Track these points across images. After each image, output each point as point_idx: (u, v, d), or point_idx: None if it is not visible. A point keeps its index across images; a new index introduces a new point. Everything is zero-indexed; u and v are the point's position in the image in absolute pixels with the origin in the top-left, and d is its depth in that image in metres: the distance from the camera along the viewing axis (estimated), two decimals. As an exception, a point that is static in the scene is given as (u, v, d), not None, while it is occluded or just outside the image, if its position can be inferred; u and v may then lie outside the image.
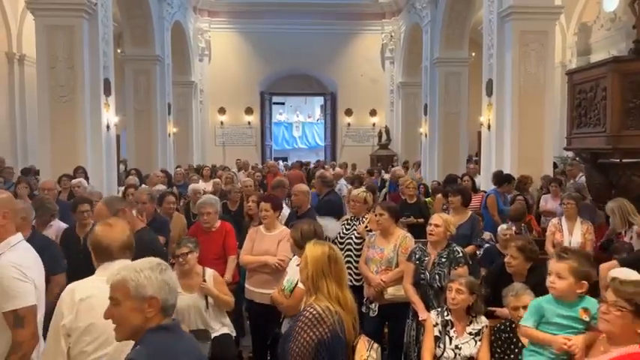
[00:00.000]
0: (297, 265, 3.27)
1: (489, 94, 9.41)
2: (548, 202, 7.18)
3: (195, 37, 16.91)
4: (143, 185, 6.06)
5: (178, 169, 10.85)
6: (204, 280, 3.61)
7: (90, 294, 2.14)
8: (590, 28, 13.50)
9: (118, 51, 12.88)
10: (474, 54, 13.51)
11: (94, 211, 3.31)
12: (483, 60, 9.66)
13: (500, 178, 6.80)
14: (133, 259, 2.67)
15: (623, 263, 3.12)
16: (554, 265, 2.43)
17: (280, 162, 18.96)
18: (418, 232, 6.23)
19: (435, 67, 13.11)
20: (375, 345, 2.41)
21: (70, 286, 2.25)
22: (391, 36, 17.79)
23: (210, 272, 3.70)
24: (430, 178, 12.63)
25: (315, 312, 2.17)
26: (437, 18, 13.00)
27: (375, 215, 4.02)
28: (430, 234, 3.53)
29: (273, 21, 17.27)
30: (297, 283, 3.14)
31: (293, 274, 3.26)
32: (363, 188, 4.99)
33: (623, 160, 4.91)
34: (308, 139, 24.13)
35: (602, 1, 12.87)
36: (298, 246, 3.27)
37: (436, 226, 3.51)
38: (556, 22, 9.13)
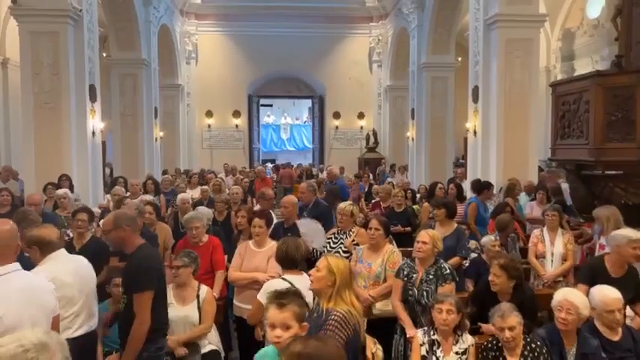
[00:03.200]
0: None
1: (475, 100, 9.51)
2: (534, 210, 7.26)
3: (182, 40, 16.83)
4: (129, 200, 5.98)
5: (165, 175, 10.77)
6: (198, 295, 3.65)
7: None
8: (573, 34, 13.72)
9: (104, 55, 12.76)
10: (460, 59, 13.63)
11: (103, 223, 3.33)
12: (470, 67, 9.75)
13: (479, 186, 6.88)
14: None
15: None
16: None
17: (269, 164, 18.96)
18: (405, 240, 6.33)
19: (422, 72, 13.22)
20: (377, 343, 2.83)
21: None
22: (379, 39, 17.87)
23: (204, 289, 3.74)
24: (417, 182, 12.73)
25: (341, 315, 2.45)
26: (424, 23, 13.09)
27: (370, 229, 4.02)
28: (418, 251, 3.55)
29: (260, 24, 17.25)
30: None
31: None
32: (349, 202, 4.99)
33: (606, 172, 4.99)
34: (296, 141, 24.12)
35: (586, 7, 13.07)
36: (282, 263, 3.28)
37: (424, 243, 3.53)
38: (540, 30, 9.26)
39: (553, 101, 5.67)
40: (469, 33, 9.86)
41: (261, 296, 3.13)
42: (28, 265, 2.89)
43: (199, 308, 3.61)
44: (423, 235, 3.59)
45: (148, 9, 12.68)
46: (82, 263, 3.21)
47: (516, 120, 8.71)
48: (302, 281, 3.08)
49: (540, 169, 10.36)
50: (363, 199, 9.53)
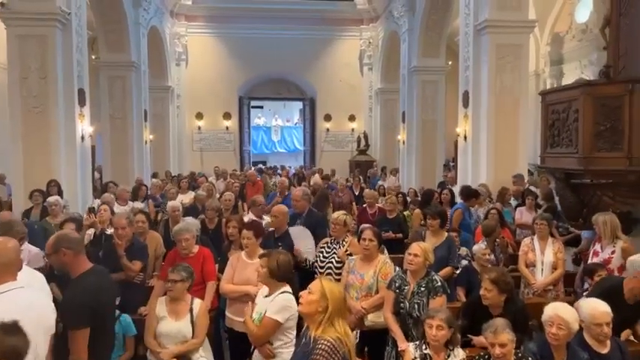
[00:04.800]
0: (266, 297, 3.30)
1: (465, 105, 9.57)
2: (523, 215, 7.31)
3: (172, 41, 16.72)
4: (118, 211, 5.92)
5: (155, 179, 10.70)
6: (192, 309, 3.59)
7: None
8: (562, 38, 13.86)
9: (93, 57, 12.63)
10: (450, 62, 13.69)
11: None
12: (460, 72, 9.81)
13: (469, 193, 6.93)
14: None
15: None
16: None
17: (260, 165, 18.88)
18: (396, 246, 6.34)
19: (413, 75, 13.26)
20: None
21: None
22: (369, 42, 17.91)
23: (198, 303, 3.68)
24: (408, 185, 12.77)
25: (329, 343, 2.34)
26: (414, 26, 13.14)
27: (364, 240, 4.00)
28: (409, 264, 3.56)
29: (251, 25, 17.20)
30: (264, 314, 3.16)
31: (261, 305, 3.29)
32: (342, 211, 4.98)
33: (594, 181, 5.04)
34: (287, 143, 24.07)
35: (575, 12, 13.20)
36: (274, 276, 3.25)
37: (415, 256, 3.54)
38: (530, 36, 9.34)
39: (542, 109, 5.72)
40: (459, 38, 9.92)
41: (277, 314, 3.10)
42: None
43: (193, 322, 3.56)
44: (415, 248, 3.59)
45: (138, 11, 12.58)
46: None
47: (506, 125, 8.78)
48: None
49: (530, 173, 10.46)
50: (354, 204, 9.53)
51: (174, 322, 3.55)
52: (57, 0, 7.98)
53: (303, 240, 4.87)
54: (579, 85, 5.21)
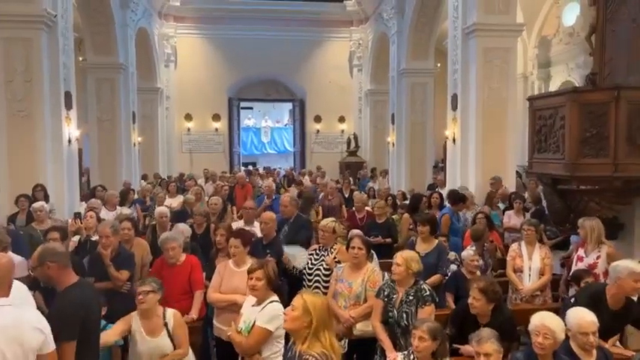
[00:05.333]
0: (253, 306, 3.28)
1: (454, 108, 9.61)
2: (511, 219, 7.36)
3: (161, 42, 16.60)
4: (106, 217, 5.86)
5: (144, 181, 10.61)
6: (166, 323, 3.47)
7: None
8: (550, 41, 13.97)
9: (80, 59, 12.51)
10: (439, 64, 13.75)
11: None
12: (448, 75, 9.86)
13: (456, 197, 6.97)
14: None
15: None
16: None
17: (250, 167, 18.83)
18: (385, 251, 6.35)
19: (402, 78, 13.29)
20: None
21: None
22: (359, 44, 17.92)
23: (170, 313, 3.53)
24: (397, 187, 12.81)
25: (315, 358, 2.33)
26: (403, 28, 13.18)
27: (353, 248, 3.99)
28: (393, 273, 3.58)
29: (240, 27, 17.15)
30: (254, 324, 3.14)
31: (248, 314, 3.27)
32: (332, 218, 4.96)
33: (581, 187, 5.08)
34: (277, 144, 24.02)
35: (562, 16, 13.32)
36: (271, 285, 3.24)
37: (397, 265, 3.55)
38: (518, 39, 9.40)
39: (530, 115, 5.75)
40: (448, 41, 9.96)
41: (268, 323, 3.07)
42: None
43: (171, 335, 3.45)
44: (397, 257, 3.62)
45: (125, 12, 12.47)
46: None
47: (494, 128, 8.84)
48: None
49: (518, 175, 10.54)
50: (344, 206, 9.52)
51: (151, 339, 3.42)
52: (43, 2, 7.87)
53: (297, 254, 4.84)
54: (566, 91, 5.24)
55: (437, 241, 4.87)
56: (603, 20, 5.36)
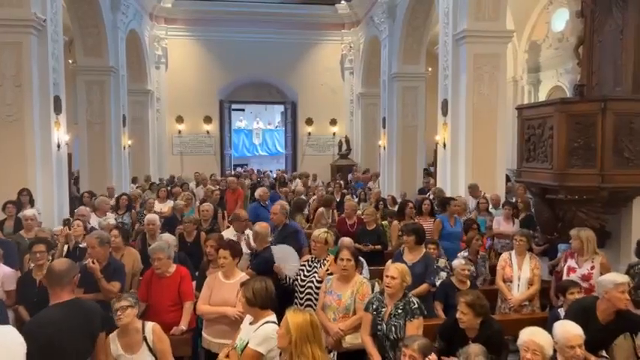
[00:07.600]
0: (250, 324, 3.27)
1: (445, 113, 9.67)
2: (501, 225, 7.40)
3: (152, 44, 16.52)
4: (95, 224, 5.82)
5: (133, 185, 10.55)
6: (145, 337, 3.37)
7: None
8: (539, 46, 14.09)
9: (70, 61, 12.41)
10: (430, 69, 13.81)
11: None
12: (439, 80, 9.91)
13: (442, 202, 7.03)
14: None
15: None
16: None
17: (239, 169, 18.78)
18: (375, 258, 6.37)
19: (393, 82, 13.34)
20: None
21: None
22: (350, 46, 17.96)
23: (150, 326, 3.42)
24: (388, 191, 12.86)
25: None
26: (394, 32, 13.22)
27: (342, 260, 3.96)
28: (387, 286, 3.57)
29: (232, 29, 17.11)
30: (247, 343, 3.13)
31: (245, 333, 3.23)
32: (324, 229, 4.94)
33: (568, 197, 5.13)
34: (268, 146, 24.00)
35: (551, 21, 13.44)
36: (251, 304, 3.20)
37: (392, 278, 3.55)
38: (508, 46, 9.48)
39: (519, 124, 5.81)
40: (438, 47, 10.02)
41: (259, 346, 3.02)
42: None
43: (152, 350, 3.37)
44: (392, 270, 3.60)
45: (116, 14, 12.39)
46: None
47: (484, 133, 8.90)
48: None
49: (508, 179, 10.62)
50: (335, 211, 9.51)
51: (132, 356, 3.34)
52: (32, 6, 7.81)
53: (287, 259, 4.84)
54: (554, 102, 5.30)
55: (424, 250, 4.86)
56: (590, 31, 5.42)
